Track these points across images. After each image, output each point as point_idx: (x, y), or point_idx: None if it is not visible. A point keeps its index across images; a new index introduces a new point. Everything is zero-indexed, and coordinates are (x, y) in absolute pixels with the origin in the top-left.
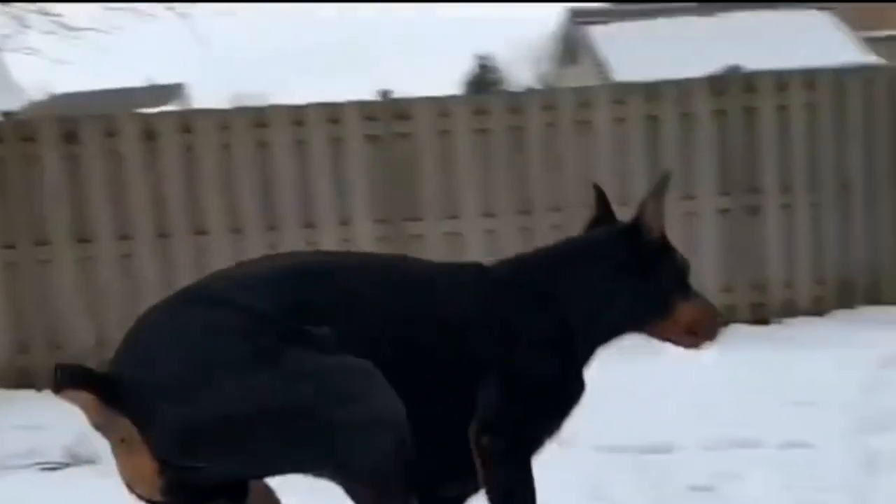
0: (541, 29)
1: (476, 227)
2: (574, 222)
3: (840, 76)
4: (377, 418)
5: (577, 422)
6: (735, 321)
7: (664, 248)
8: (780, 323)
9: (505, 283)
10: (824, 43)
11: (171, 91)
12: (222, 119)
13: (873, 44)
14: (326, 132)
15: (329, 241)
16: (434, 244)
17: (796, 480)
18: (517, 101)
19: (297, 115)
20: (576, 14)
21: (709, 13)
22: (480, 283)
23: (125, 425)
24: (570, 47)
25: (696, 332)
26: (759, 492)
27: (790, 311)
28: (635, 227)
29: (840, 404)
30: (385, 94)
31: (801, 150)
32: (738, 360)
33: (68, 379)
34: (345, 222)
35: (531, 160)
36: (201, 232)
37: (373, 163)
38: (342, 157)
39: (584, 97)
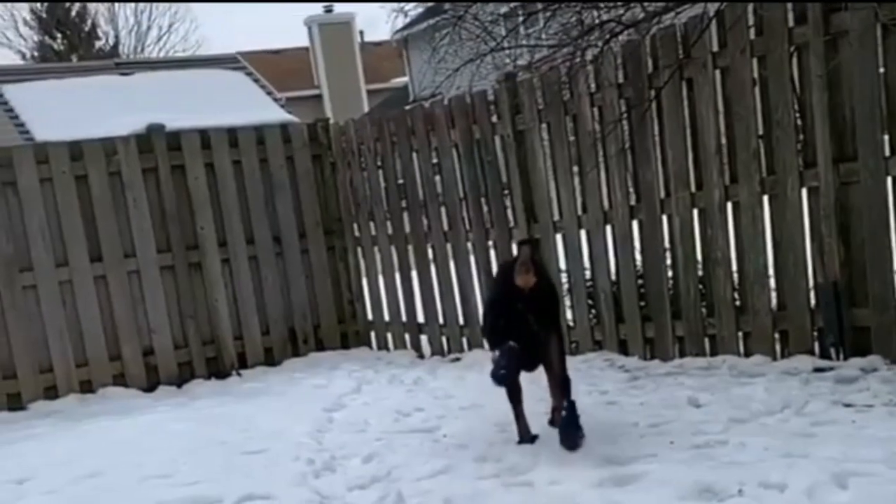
0: None
1: None
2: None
3: (261, 133)
4: None
5: None
6: (194, 377)
7: None
8: (239, 375)
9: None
10: (243, 101)
11: None
12: None
13: (288, 103)
14: None
15: None
16: None
17: None
18: None
19: None
20: None
21: (126, 72)
22: None
23: None
24: None
25: None
26: None
27: (244, 362)
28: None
29: (291, 450)
30: None
31: (232, 206)
32: (198, 415)
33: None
34: None
35: None
36: None
37: None
38: None
39: (4, 157)
